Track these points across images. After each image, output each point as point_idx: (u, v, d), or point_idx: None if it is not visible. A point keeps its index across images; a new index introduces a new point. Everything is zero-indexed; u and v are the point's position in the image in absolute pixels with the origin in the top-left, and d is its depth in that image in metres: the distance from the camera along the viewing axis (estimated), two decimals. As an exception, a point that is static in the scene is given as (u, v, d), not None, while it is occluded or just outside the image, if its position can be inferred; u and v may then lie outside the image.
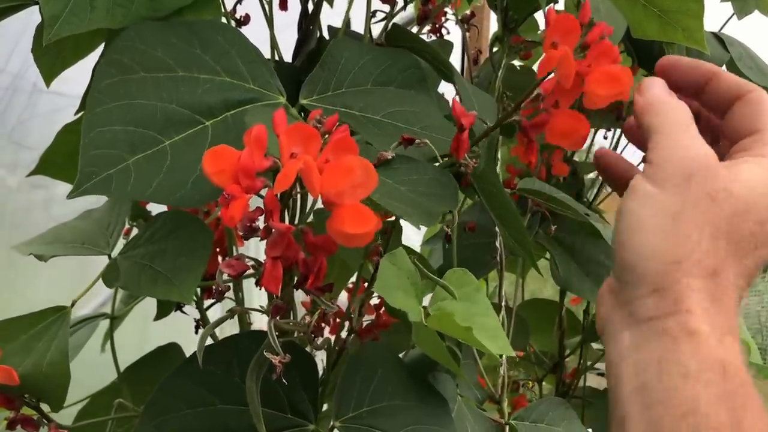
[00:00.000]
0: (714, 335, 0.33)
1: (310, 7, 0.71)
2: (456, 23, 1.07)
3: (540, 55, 1.22)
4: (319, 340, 0.58)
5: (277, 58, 0.69)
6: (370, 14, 0.70)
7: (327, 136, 0.34)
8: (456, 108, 0.46)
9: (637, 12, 0.68)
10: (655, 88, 0.39)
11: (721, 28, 1.11)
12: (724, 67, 0.99)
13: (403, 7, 0.70)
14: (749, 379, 0.33)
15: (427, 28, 1.09)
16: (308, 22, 0.69)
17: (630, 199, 0.36)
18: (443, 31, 1.10)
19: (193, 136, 0.48)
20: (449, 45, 0.85)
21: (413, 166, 0.48)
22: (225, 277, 0.36)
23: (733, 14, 1.10)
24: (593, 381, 1.91)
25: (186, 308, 0.70)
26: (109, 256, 0.56)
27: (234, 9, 0.74)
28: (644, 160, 0.38)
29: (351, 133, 0.35)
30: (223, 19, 0.65)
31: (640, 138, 0.42)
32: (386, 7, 0.71)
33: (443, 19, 1.08)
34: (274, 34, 0.68)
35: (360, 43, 0.59)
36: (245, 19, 0.75)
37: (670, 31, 0.68)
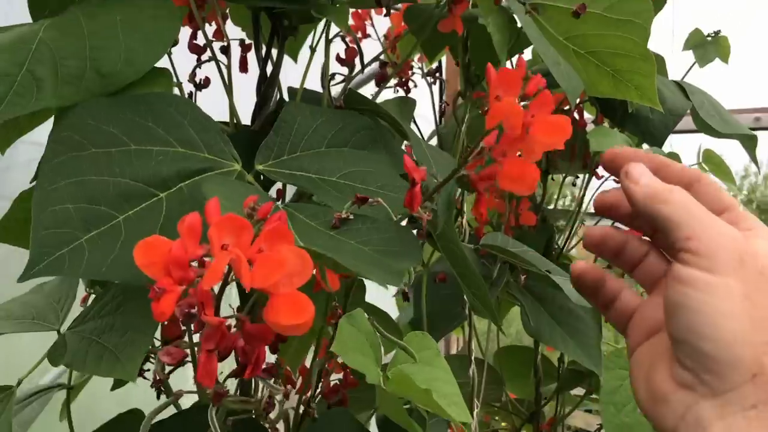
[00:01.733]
0: None
1: (269, 70, 0.71)
2: (422, 77, 1.09)
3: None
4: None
5: (236, 122, 0.69)
6: (328, 77, 0.71)
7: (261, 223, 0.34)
8: (407, 163, 0.47)
9: (590, 71, 0.70)
10: (647, 176, 0.40)
11: (684, 77, 1.14)
12: (687, 115, 1.01)
13: (361, 71, 0.71)
14: None
15: (394, 81, 1.10)
16: (267, 86, 0.69)
17: (690, 291, 0.35)
18: (410, 84, 1.12)
19: (147, 209, 0.48)
20: (411, 102, 0.85)
21: (374, 225, 0.48)
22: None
23: (694, 62, 1.13)
24: (580, 421, 1.89)
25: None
26: (59, 332, 0.56)
27: (193, 73, 0.75)
28: (676, 248, 0.37)
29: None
30: (176, 90, 0.65)
31: (621, 216, 0.43)
32: (345, 70, 0.72)
33: (410, 72, 1.11)
34: (232, 100, 0.68)
35: (312, 106, 0.60)
36: (205, 82, 0.76)
37: (623, 89, 0.69)
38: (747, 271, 0.35)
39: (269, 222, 0.33)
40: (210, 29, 0.80)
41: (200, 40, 0.77)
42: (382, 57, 0.73)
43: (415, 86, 1.13)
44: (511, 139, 0.44)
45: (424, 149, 0.65)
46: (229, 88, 0.70)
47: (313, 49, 0.68)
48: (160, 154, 0.50)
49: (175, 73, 0.64)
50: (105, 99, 0.50)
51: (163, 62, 0.59)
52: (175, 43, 0.59)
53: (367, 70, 0.85)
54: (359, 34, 1.08)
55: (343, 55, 0.73)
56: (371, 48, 1.13)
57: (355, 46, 0.69)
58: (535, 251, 0.79)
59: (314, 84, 0.76)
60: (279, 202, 0.49)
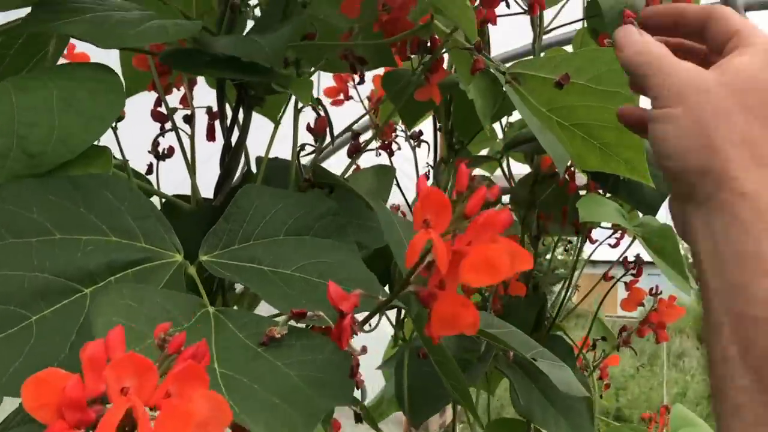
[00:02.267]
0: (764, 190, 0.38)
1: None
2: (405, 139, 1.05)
3: (495, 167, 1.19)
4: None
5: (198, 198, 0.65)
6: (297, 148, 0.67)
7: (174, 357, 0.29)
8: (331, 292, 0.40)
9: (576, 144, 0.65)
10: (628, 43, 0.45)
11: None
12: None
13: (331, 143, 0.67)
14: None
15: (376, 144, 1.06)
16: (231, 156, 0.65)
17: (655, 125, 0.42)
18: (393, 146, 1.08)
19: (67, 308, 0.43)
20: (390, 171, 0.81)
21: (309, 343, 0.43)
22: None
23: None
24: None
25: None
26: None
27: (156, 142, 0.70)
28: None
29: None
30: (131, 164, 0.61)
31: (635, 116, 0.49)
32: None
33: (393, 135, 1.07)
34: (194, 176, 0.63)
35: (273, 189, 0.55)
36: (169, 152, 0.71)
37: (612, 163, 0.65)
38: (694, 98, 0.41)
39: (181, 358, 0.28)
40: (179, 94, 0.77)
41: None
42: (355, 126, 0.69)
43: (399, 149, 1.09)
44: (439, 275, 0.36)
45: (398, 229, 0.60)
46: (192, 165, 0.66)
47: (277, 122, 0.64)
48: (90, 244, 0.45)
49: (120, 149, 0.59)
50: (32, 181, 0.45)
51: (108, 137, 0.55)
52: (120, 117, 0.55)
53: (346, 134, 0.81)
54: (341, 96, 1.04)
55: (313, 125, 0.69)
56: (354, 110, 1.09)
57: (325, 116, 0.65)
58: (521, 332, 0.73)
59: (285, 152, 0.72)
60: (210, 308, 0.44)
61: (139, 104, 0.79)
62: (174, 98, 0.78)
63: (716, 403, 0.37)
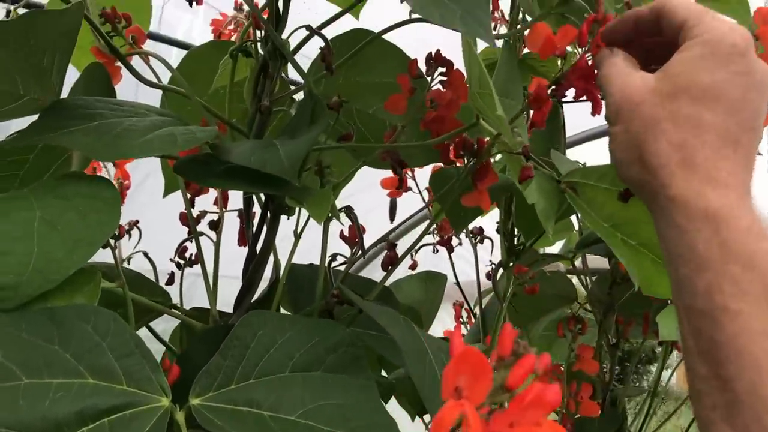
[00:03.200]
0: (691, 193, 0.39)
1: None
2: (467, 236, 0.97)
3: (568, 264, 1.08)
4: None
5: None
6: (327, 257, 0.60)
7: None
8: None
9: (645, 266, 0.56)
10: (601, 62, 0.46)
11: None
12: None
13: (362, 255, 0.60)
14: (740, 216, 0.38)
15: (435, 239, 0.99)
16: (254, 267, 0.59)
17: (609, 144, 0.44)
18: (454, 241, 1.00)
19: (25, 469, 0.37)
20: (440, 278, 0.73)
21: None
22: None
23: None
24: None
25: None
26: None
27: (183, 248, 0.66)
28: None
29: None
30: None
31: None
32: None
33: (452, 230, 0.99)
34: (215, 298, 0.58)
35: (282, 315, 0.49)
36: (196, 259, 0.67)
37: (688, 288, 0.54)
38: (626, 114, 0.42)
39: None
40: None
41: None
42: (392, 235, 0.62)
43: (460, 244, 1.01)
44: None
45: (431, 361, 0.52)
46: (214, 275, 0.61)
47: (298, 236, 0.58)
48: (61, 389, 0.40)
49: (117, 266, 0.54)
50: (2, 316, 0.40)
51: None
52: (116, 236, 0.50)
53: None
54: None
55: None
56: (414, 202, 1.03)
57: (356, 225, 0.58)
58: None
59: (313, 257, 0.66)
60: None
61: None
62: (210, 198, 0.74)
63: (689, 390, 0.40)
